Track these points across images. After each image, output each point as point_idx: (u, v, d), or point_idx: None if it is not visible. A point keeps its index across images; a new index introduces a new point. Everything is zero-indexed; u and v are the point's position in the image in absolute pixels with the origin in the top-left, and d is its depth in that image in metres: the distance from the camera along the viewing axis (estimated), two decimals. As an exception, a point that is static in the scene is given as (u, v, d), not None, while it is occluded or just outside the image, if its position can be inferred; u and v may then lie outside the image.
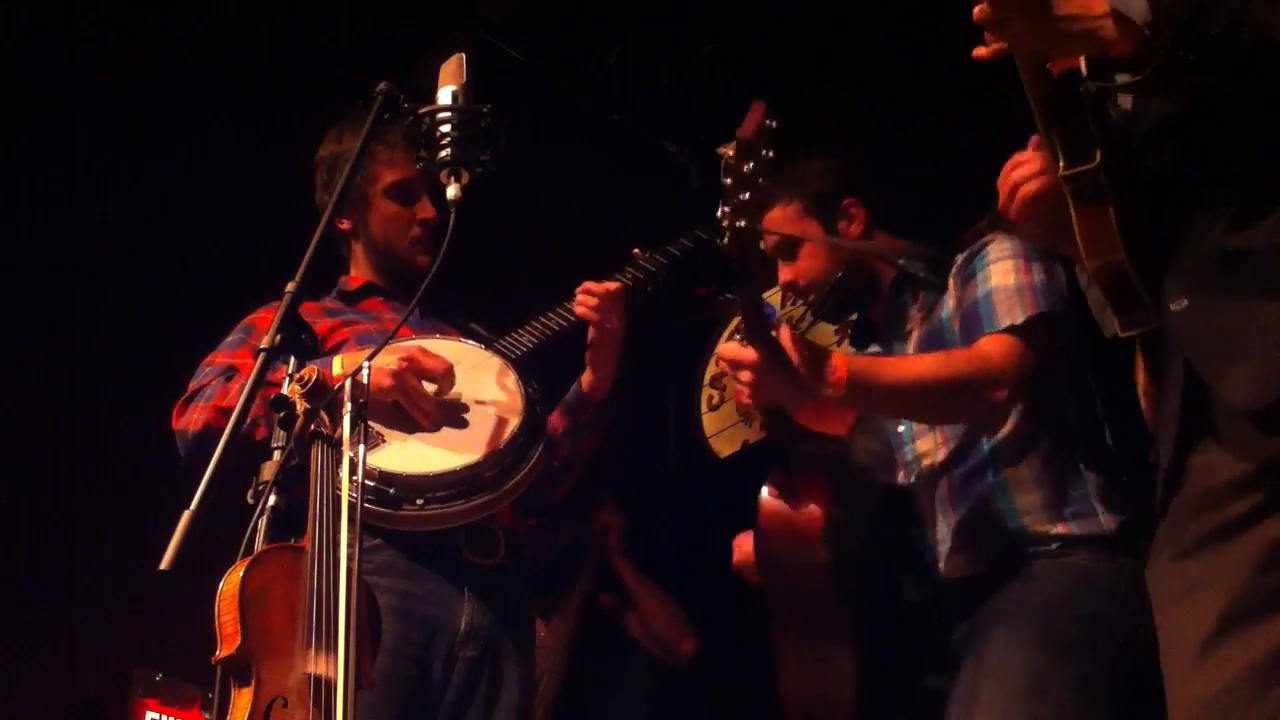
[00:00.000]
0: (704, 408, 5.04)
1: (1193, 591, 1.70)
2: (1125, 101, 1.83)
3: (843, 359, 2.35)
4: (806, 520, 2.57)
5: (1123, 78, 1.72)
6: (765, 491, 2.66)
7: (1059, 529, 2.48)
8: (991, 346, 2.47)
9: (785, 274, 2.85)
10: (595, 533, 4.41)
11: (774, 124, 2.13)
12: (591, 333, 2.83)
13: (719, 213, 2.10)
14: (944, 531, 2.59)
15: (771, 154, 2.11)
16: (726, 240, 2.10)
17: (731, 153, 2.11)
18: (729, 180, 2.09)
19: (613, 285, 2.83)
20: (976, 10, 1.70)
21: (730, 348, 2.32)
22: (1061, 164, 1.76)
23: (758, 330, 2.25)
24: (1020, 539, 2.50)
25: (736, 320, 5.25)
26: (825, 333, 3.89)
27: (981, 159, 2.13)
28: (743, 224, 2.07)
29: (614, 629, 4.35)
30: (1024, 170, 1.91)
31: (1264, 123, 1.71)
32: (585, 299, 2.81)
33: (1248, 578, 1.65)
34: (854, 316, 2.97)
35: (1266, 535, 1.65)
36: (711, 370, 5.07)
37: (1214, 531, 1.69)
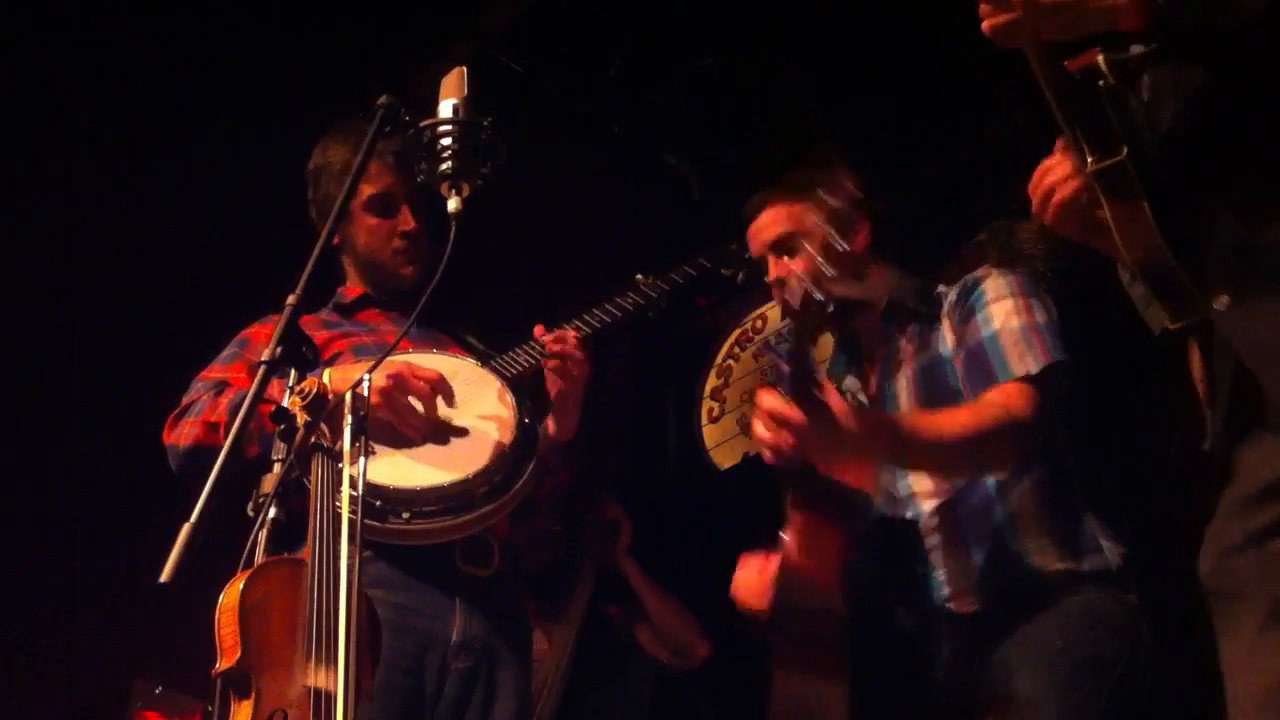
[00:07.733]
0: (704, 420, 5.03)
1: (1240, 590, 1.70)
2: (1143, 93, 1.80)
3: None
4: (824, 571, 2.50)
5: (1136, 49, 1.70)
6: (785, 537, 2.55)
7: (1068, 565, 2.50)
8: (1011, 396, 2.45)
9: (778, 270, 2.76)
10: (598, 535, 4.36)
11: (861, 195, 2.17)
12: (552, 379, 2.81)
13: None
14: (953, 569, 2.57)
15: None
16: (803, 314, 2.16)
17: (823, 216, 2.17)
18: (820, 254, 2.15)
19: (570, 334, 2.83)
20: None
21: (774, 403, 2.25)
22: (1089, 159, 1.73)
23: (807, 392, 2.21)
24: (1031, 577, 2.50)
25: (737, 333, 5.24)
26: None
27: (981, 168, 2.12)
28: (820, 296, 2.11)
29: (616, 635, 4.33)
30: (1055, 175, 1.88)
31: None
32: (551, 362, 2.78)
33: None
34: (832, 337, 2.93)
35: None
36: (712, 382, 5.06)
37: (1258, 532, 1.68)
